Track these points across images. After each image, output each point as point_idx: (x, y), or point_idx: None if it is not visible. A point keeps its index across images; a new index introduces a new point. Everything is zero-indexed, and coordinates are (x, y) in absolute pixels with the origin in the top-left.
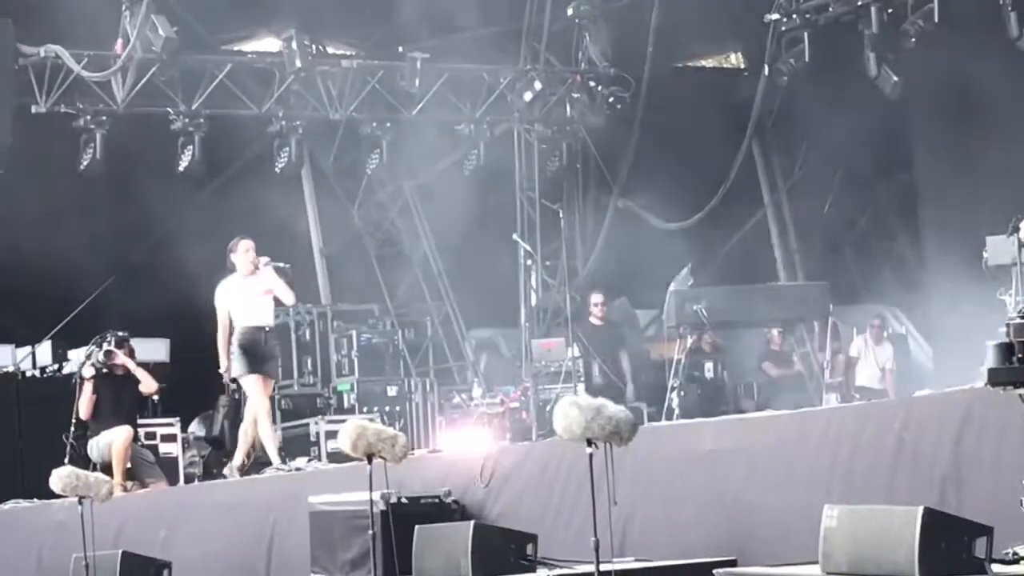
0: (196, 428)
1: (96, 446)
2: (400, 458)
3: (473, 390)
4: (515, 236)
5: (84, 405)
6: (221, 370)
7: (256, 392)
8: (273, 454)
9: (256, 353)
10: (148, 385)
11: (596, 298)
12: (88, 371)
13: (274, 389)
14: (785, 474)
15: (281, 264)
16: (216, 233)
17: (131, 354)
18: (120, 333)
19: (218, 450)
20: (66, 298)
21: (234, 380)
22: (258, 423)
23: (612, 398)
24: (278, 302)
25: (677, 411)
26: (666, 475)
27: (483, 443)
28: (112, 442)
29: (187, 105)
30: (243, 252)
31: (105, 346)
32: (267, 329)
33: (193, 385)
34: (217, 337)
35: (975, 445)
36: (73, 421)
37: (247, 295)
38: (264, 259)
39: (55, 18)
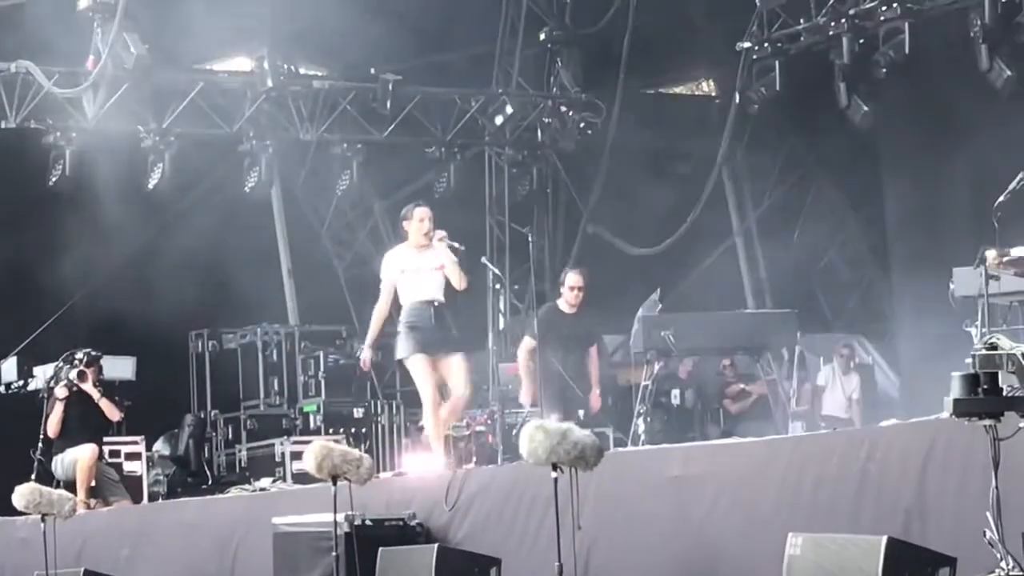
0: (161, 447)
1: (61, 463)
2: (365, 480)
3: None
4: (484, 260)
5: (53, 423)
6: (363, 350)
7: (422, 376)
8: (437, 448)
9: (424, 331)
10: (111, 414)
11: (574, 279)
12: (61, 391)
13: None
14: (750, 502)
15: (456, 244)
16: (185, 252)
17: (99, 372)
18: (91, 352)
19: (183, 469)
20: (32, 314)
21: (399, 362)
22: (428, 410)
23: (567, 407)
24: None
25: (643, 437)
26: (631, 500)
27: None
28: (78, 459)
29: (158, 123)
30: (417, 221)
31: (78, 365)
32: (436, 304)
33: (159, 403)
34: (373, 310)
35: (939, 476)
36: (41, 438)
37: (418, 267)
38: (440, 233)
39: (26, 34)
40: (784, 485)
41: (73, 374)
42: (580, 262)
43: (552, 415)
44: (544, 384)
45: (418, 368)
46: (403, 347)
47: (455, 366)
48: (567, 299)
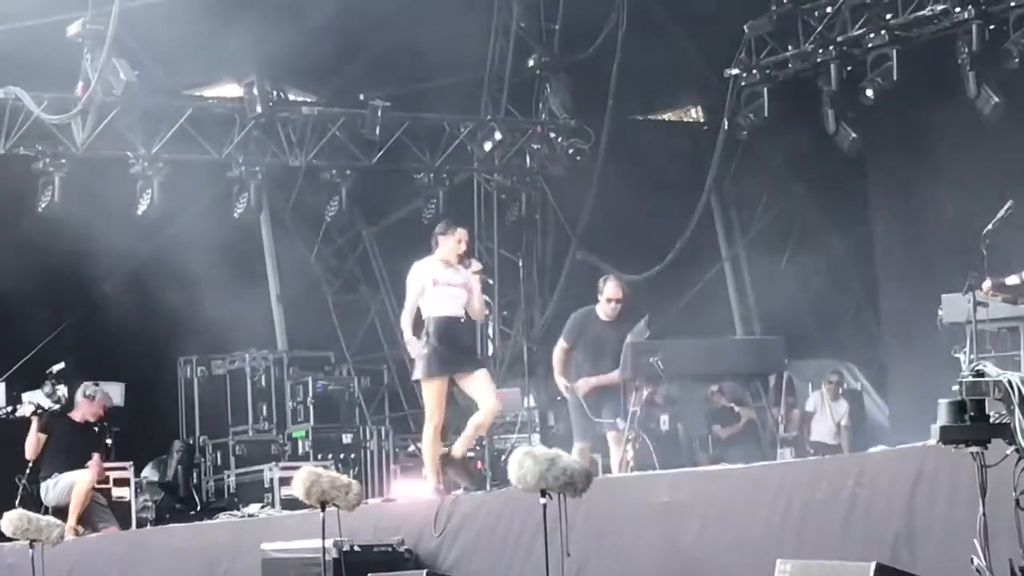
0: (150, 472)
1: (53, 488)
2: (353, 506)
3: None
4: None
5: (29, 444)
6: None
7: (436, 401)
8: (430, 473)
9: (450, 349)
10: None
11: (611, 290)
12: (27, 408)
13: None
14: (739, 528)
15: (490, 280)
16: (173, 278)
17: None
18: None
19: (171, 495)
20: (21, 340)
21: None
22: (428, 436)
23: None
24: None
25: (631, 463)
26: (620, 527)
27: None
28: (75, 483)
29: (147, 149)
30: (456, 241)
31: (52, 382)
32: (462, 321)
33: (148, 429)
34: (403, 322)
35: (928, 502)
36: (29, 463)
37: (448, 281)
38: (477, 265)
39: (15, 60)
40: (773, 511)
41: (46, 391)
42: (569, 288)
43: (578, 444)
44: (573, 411)
45: (434, 392)
46: (423, 368)
47: (481, 380)
48: (604, 310)
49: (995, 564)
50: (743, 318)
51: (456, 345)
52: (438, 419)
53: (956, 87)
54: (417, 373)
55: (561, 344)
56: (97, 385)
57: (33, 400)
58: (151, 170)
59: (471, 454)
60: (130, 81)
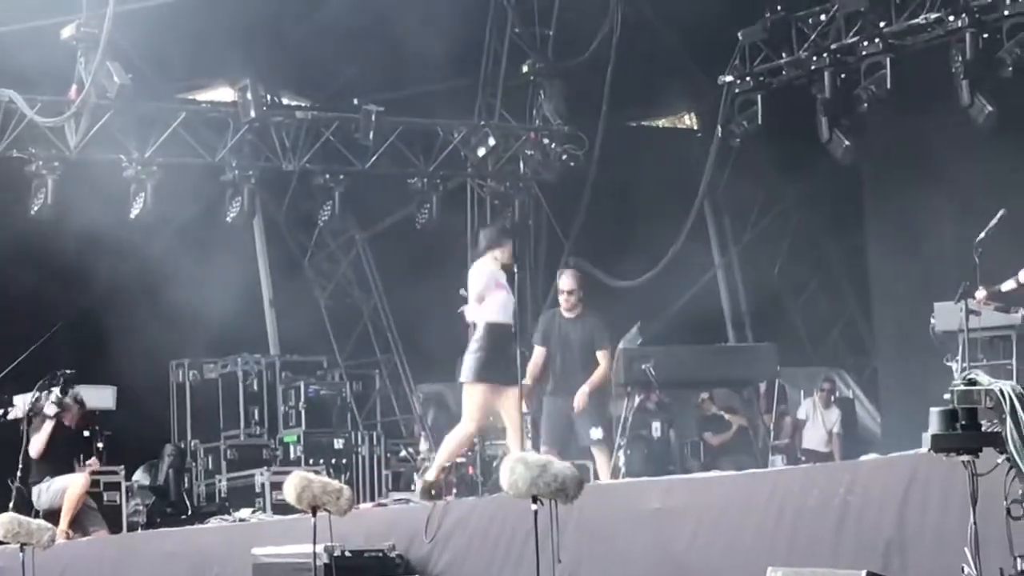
0: (141, 477)
1: (46, 491)
2: (345, 511)
3: (420, 444)
4: (462, 292)
5: (38, 443)
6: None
7: (478, 408)
8: (434, 468)
9: (502, 357)
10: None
11: (564, 282)
12: (51, 408)
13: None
14: (730, 535)
15: None
16: (166, 282)
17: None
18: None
19: (162, 499)
20: (12, 343)
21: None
22: (457, 442)
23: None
24: None
25: (623, 470)
26: (611, 533)
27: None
28: (68, 487)
29: (140, 152)
30: (509, 249)
31: (60, 385)
32: (513, 330)
33: (139, 433)
34: (468, 315)
35: (919, 510)
36: (20, 466)
37: (507, 287)
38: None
39: (9, 62)
40: (764, 518)
41: (55, 395)
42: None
43: (545, 448)
44: (549, 418)
45: (479, 397)
46: (473, 371)
47: (513, 400)
48: (563, 305)
49: (986, 573)
50: (735, 325)
51: (507, 355)
52: (474, 426)
53: (950, 95)
54: (465, 375)
55: (536, 350)
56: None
57: (51, 400)
58: (144, 173)
59: (461, 460)
60: (124, 84)
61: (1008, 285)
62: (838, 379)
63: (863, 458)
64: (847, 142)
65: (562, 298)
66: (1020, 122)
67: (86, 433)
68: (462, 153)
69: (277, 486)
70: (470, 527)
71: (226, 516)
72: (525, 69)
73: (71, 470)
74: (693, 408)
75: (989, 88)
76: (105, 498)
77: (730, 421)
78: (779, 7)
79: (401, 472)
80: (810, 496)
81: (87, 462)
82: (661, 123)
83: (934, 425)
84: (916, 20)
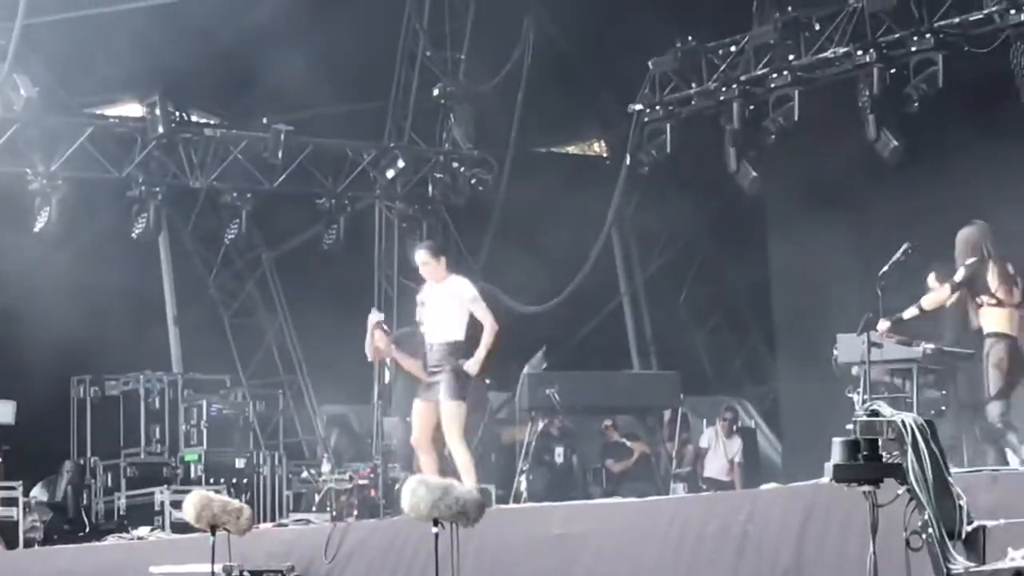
0: (39, 493)
1: None
2: (244, 530)
3: (322, 465)
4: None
5: None
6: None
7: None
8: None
9: None
10: None
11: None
12: None
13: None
14: (631, 562)
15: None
16: (69, 297)
17: None
18: None
19: (60, 516)
20: None
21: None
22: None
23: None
24: None
25: (525, 494)
26: (512, 558)
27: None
28: None
29: (46, 166)
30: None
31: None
32: None
33: (38, 449)
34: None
35: (818, 539)
36: None
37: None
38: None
39: None
40: (665, 545)
41: None
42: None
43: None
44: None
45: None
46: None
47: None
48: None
49: None
50: (640, 352)
51: None
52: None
53: (856, 129)
54: (464, 392)
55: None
56: None
57: None
58: (49, 187)
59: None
60: (31, 97)
61: (910, 313)
62: (740, 408)
63: (763, 487)
64: (754, 173)
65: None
66: (925, 157)
67: None
68: (371, 175)
69: (177, 505)
70: (370, 549)
71: (124, 534)
72: (436, 92)
73: None
74: (596, 434)
75: (895, 123)
76: (2, 514)
77: (632, 448)
78: (690, 37)
79: (303, 493)
80: (710, 524)
81: None
82: (570, 149)
83: (836, 455)
84: (825, 54)
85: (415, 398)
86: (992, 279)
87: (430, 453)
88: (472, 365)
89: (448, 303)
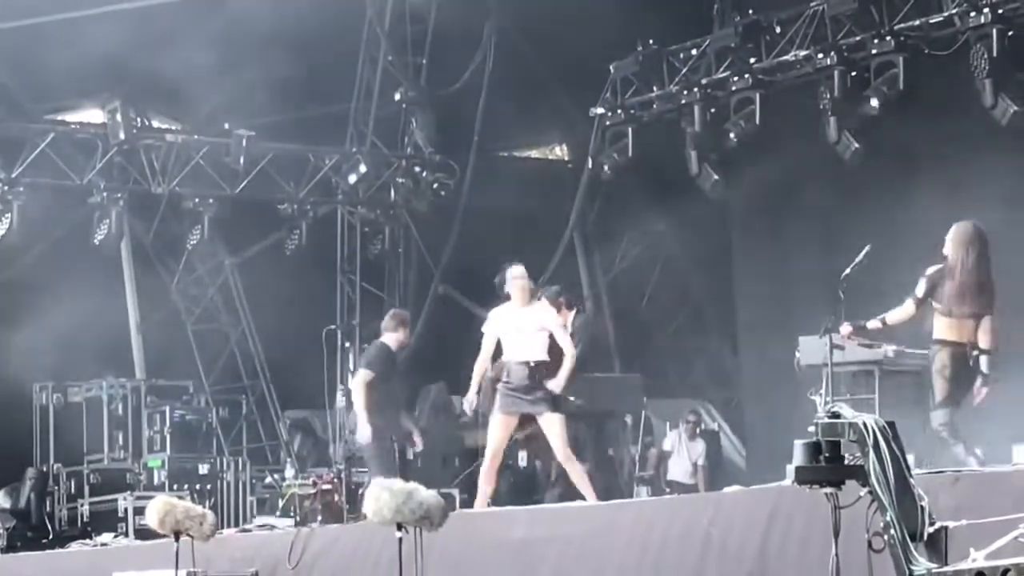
0: (2, 500)
1: None
2: (208, 536)
3: (286, 470)
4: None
5: None
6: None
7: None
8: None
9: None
10: None
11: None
12: None
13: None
14: (595, 564)
15: None
16: (31, 303)
17: None
18: None
19: (23, 522)
20: None
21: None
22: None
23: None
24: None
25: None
26: (476, 562)
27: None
28: None
29: (7, 173)
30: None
31: None
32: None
33: (0, 456)
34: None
35: (781, 541)
36: None
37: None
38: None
39: None
40: (628, 548)
41: None
42: (431, 322)
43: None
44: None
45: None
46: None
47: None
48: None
49: None
50: (603, 355)
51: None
52: None
53: (818, 132)
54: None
55: (364, 375)
56: None
57: None
58: (11, 194)
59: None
60: None
61: (874, 324)
62: (703, 411)
63: (727, 490)
64: (716, 176)
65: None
66: (886, 159)
67: None
68: (333, 180)
69: (140, 511)
70: (334, 554)
71: (88, 540)
72: (397, 97)
73: None
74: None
75: (856, 125)
76: None
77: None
78: (651, 41)
79: (266, 498)
80: (674, 527)
81: None
82: (532, 153)
83: (798, 457)
84: (786, 57)
85: (495, 411)
86: (949, 290)
87: (496, 467)
88: (556, 384)
89: (538, 326)
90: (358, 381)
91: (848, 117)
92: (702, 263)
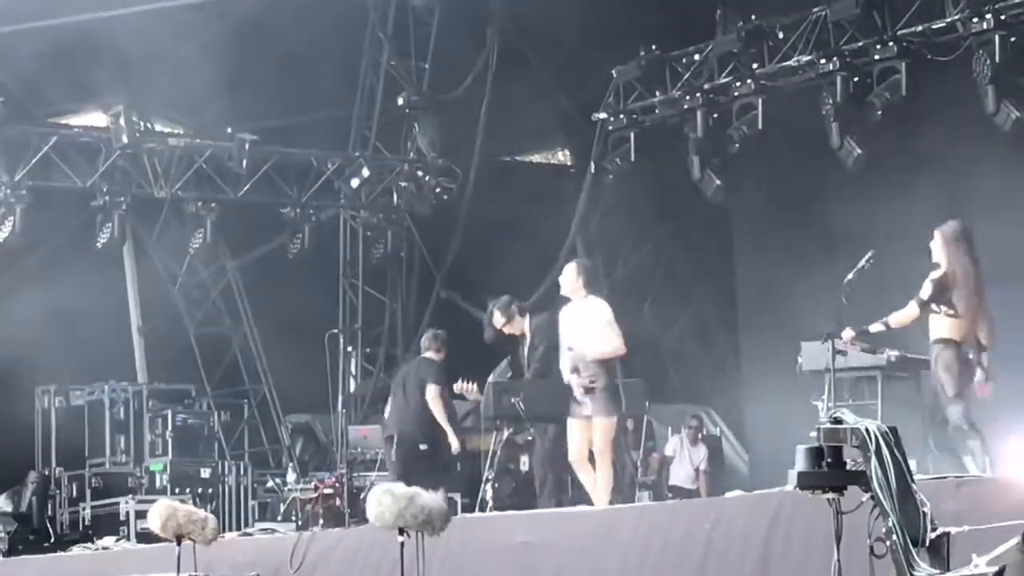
0: (3, 503)
1: None
2: (210, 540)
3: (288, 475)
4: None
5: None
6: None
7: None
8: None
9: None
10: None
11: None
12: None
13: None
14: (595, 569)
15: None
16: (34, 306)
17: None
18: None
19: (25, 526)
20: None
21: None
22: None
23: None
24: None
25: (491, 503)
26: (478, 566)
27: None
28: None
29: (10, 176)
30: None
31: None
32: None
33: (2, 459)
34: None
35: (782, 547)
36: None
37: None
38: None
39: None
40: (629, 553)
41: None
42: (433, 326)
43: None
44: None
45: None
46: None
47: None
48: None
49: None
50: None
51: None
52: None
53: (820, 137)
54: (616, 408)
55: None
56: None
57: None
58: (14, 197)
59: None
60: None
61: (876, 327)
62: (705, 416)
63: (728, 495)
64: (718, 181)
65: None
66: (889, 164)
67: None
68: (335, 184)
69: (142, 515)
70: (335, 558)
71: (90, 544)
72: (400, 101)
73: None
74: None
75: (858, 131)
76: None
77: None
78: (653, 46)
79: (268, 502)
80: (675, 532)
81: None
82: (535, 158)
83: (800, 462)
84: (788, 62)
85: (569, 417)
86: (954, 292)
87: (589, 471)
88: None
89: (592, 320)
90: (434, 397)
91: (850, 123)
92: (704, 268)
